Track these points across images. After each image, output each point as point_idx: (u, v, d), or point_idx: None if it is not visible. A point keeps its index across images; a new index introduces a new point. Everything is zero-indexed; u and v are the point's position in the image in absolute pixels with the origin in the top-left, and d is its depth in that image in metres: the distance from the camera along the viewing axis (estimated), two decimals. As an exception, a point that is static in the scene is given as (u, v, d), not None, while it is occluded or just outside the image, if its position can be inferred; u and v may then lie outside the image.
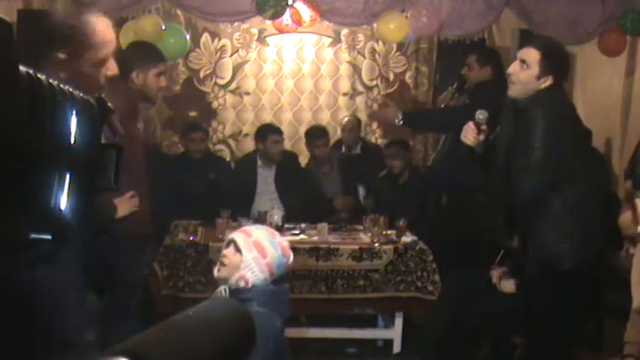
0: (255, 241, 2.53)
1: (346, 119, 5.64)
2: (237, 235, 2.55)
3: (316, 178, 5.32)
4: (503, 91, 3.53)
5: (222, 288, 2.52)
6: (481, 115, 3.20)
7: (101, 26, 1.97)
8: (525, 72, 3.12)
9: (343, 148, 5.59)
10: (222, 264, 2.53)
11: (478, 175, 3.58)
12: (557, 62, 3.16)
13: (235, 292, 2.49)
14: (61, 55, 1.86)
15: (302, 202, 5.00)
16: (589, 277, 3.30)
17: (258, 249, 2.52)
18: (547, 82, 3.12)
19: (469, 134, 3.20)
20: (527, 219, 3.27)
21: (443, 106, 4.64)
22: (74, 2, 4.18)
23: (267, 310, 2.45)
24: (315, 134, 5.32)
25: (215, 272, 2.55)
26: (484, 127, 3.21)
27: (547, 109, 3.09)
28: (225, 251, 2.53)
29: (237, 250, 2.51)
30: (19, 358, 1.54)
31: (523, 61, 3.14)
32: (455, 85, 4.65)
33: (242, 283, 2.49)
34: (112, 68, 2.10)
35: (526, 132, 3.07)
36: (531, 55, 3.13)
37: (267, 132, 5.07)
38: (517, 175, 3.11)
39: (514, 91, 3.17)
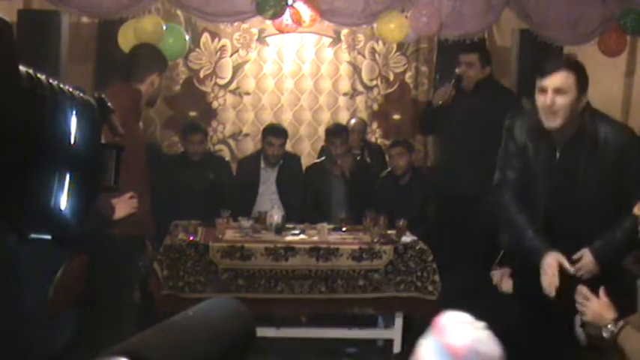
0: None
1: (352, 122, 5.50)
2: None
3: (326, 182, 5.16)
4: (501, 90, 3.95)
5: None
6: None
7: None
8: (564, 98, 2.80)
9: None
10: None
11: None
12: (584, 76, 2.90)
13: None
14: None
15: (303, 205, 4.98)
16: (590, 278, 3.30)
17: None
18: (584, 100, 2.87)
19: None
20: None
21: (441, 103, 4.64)
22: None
23: None
24: (333, 131, 5.11)
25: None
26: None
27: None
28: None
29: None
30: None
31: (557, 90, 2.81)
32: (452, 82, 4.67)
33: None
34: None
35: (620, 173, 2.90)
36: (565, 79, 2.81)
37: (271, 133, 5.05)
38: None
39: (557, 122, 2.82)
